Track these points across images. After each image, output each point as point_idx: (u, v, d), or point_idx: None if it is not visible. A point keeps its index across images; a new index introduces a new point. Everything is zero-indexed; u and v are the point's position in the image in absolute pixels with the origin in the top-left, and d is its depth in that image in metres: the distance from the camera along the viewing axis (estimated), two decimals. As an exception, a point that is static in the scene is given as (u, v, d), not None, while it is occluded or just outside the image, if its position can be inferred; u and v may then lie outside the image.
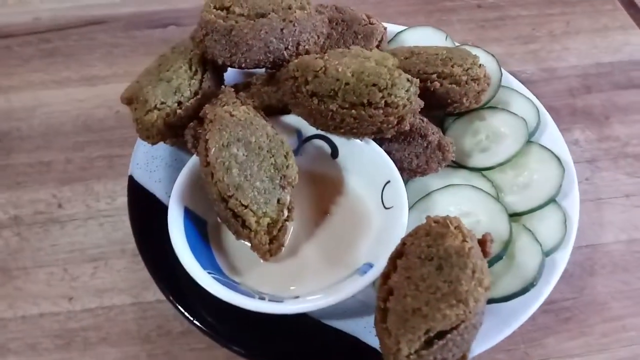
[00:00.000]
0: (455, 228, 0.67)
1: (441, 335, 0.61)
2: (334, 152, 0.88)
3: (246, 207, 0.74)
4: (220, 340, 0.73)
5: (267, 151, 0.78)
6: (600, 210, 0.93)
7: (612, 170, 0.98)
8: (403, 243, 0.70)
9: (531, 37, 1.21)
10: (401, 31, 1.07)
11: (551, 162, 0.86)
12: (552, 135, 0.92)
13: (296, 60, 0.84)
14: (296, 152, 0.89)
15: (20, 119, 1.07)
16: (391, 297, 0.65)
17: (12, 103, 1.10)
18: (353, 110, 0.79)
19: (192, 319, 0.74)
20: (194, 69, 0.86)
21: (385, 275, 0.68)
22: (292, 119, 0.88)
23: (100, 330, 0.81)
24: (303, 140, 0.89)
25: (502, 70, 0.99)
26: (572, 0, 1.28)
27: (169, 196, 0.85)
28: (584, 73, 1.13)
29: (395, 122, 0.80)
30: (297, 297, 0.74)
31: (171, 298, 0.76)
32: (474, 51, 1.00)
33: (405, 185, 0.87)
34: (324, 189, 0.87)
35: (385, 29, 1.02)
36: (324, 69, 0.80)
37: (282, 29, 0.84)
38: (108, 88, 1.13)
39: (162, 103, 0.82)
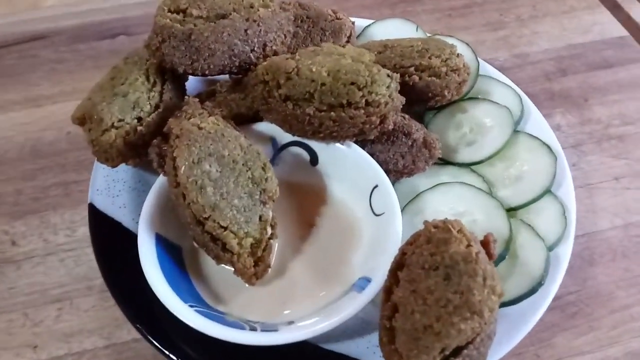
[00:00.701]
0: (458, 232, 0.62)
1: (456, 352, 0.56)
2: (314, 159, 0.82)
3: (225, 228, 0.67)
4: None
5: (243, 164, 0.71)
6: (592, 196, 0.90)
7: (598, 153, 0.95)
8: (403, 253, 0.64)
9: (500, 23, 1.18)
10: (369, 25, 1.02)
11: (541, 150, 0.82)
12: (536, 122, 0.88)
13: (265, 63, 0.77)
14: (272, 162, 0.82)
15: (-41, 149, 0.96)
16: (397, 315, 0.60)
17: (-51, 132, 0.99)
18: (332, 113, 0.73)
19: (175, 358, 0.66)
20: (152, 80, 0.79)
21: (388, 290, 0.62)
22: (265, 127, 0.81)
23: (71, 380, 0.72)
24: (279, 149, 0.82)
25: (478, 58, 0.95)
26: (536, -17, 1.26)
27: (137, 222, 0.77)
28: (557, 56, 1.11)
29: (378, 122, 0.74)
30: (291, 322, 0.67)
31: (149, 337, 0.68)
32: (447, 40, 0.96)
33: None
34: (306, 200, 0.81)
35: (353, 23, 0.96)
36: (296, 70, 0.74)
37: (246, 30, 0.77)
38: (55, 108, 1.03)
39: (120, 120, 0.74)
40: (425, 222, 0.65)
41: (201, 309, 0.65)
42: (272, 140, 0.82)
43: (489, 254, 0.64)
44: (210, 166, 0.69)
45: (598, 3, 1.22)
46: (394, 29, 1.00)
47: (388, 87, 0.74)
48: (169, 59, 0.76)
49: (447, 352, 0.55)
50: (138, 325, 0.69)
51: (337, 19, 0.95)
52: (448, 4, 1.22)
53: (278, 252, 0.75)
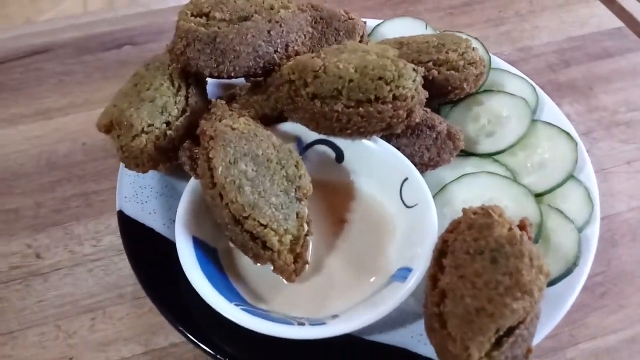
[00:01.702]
0: (499, 216, 0.63)
1: (509, 332, 0.57)
2: (339, 156, 0.83)
3: (266, 226, 0.67)
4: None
5: (277, 163, 0.72)
6: (607, 180, 0.92)
7: (608, 139, 0.98)
8: (444, 240, 0.65)
9: (500, 19, 1.21)
10: (379, 24, 1.04)
11: (560, 137, 0.84)
12: (551, 111, 0.90)
13: (290, 63, 0.78)
14: (298, 161, 0.83)
15: (-27, 165, 0.94)
16: (446, 300, 0.60)
17: (-41, 149, 0.97)
18: (360, 108, 0.74)
19: (218, 355, 0.66)
20: (176, 84, 0.79)
21: (433, 278, 0.63)
22: (289, 127, 0.81)
23: (112, 390, 0.71)
24: (304, 148, 0.83)
25: (489, 52, 0.97)
26: (531, -21, 1.29)
27: (168, 227, 0.78)
28: (559, 48, 1.14)
29: (405, 116, 0.75)
30: (335, 315, 0.68)
31: (192, 337, 0.67)
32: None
33: (417, 181, 0.84)
34: (335, 197, 0.82)
35: (364, 22, 0.98)
36: (323, 67, 0.74)
37: (269, 31, 0.78)
38: (67, 119, 1.02)
39: (150, 125, 0.74)
40: (464, 209, 0.66)
41: (247, 308, 0.65)
42: (297, 139, 0.82)
43: (527, 237, 0.66)
44: (246, 166, 0.69)
45: (592, -4, 1.26)
46: (404, 28, 1.02)
47: (414, 80, 0.75)
48: (194, 62, 0.77)
49: (501, 333, 0.56)
50: (180, 328, 0.68)
51: (350, 19, 0.96)
52: (449, 2, 1.24)
53: (313, 249, 0.75)
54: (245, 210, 0.67)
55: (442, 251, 0.64)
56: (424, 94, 0.77)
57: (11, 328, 0.76)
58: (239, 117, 0.75)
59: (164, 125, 0.75)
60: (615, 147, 0.97)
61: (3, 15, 1.33)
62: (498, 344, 0.57)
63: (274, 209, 0.68)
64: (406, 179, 0.77)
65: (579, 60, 1.11)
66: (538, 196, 0.80)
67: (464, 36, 0.97)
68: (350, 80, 0.73)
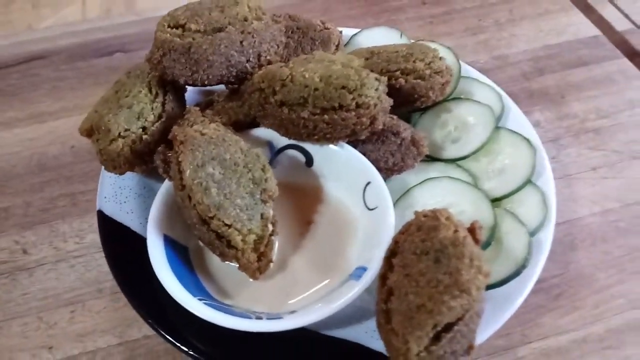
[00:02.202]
0: (445, 219, 0.67)
1: (448, 328, 0.60)
2: (309, 161, 0.87)
3: (230, 226, 0.71)
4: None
5: (244, 166, 0.76)
6: (571, 186, 0.95)
7: (576, 146, 1.01)
8: (395, 241, 0.69)
9: (479, 27, 1.24)
10: (355, 34, 1.08)
11: (521, 144, 0.88)
12: (516, 118, 0.94)
13: (260, 72, 0.82)
14: (269, 164, 0.87)
15: (-33, 166, 1.00)
16: (392, 297, 0.64)
17: (-43, 150, 1.03)
18: (325, 115, 0.78)
19: (186, 349, 0.70)
20: (154, 91, 0.83)
21: (383, 276, 0.67)
22: (262, 132, 0.86)
23: (87, 377, 0.76)
24: (276, 152, 0.87)
25: (460, 61, 1.01)
26: (512, -11, 1.33)
27: (144, 226, 0.82)
28: (535, 56, 1.17)
29: (368, 123, 0.79)
30: (293, 311, 0.72)
31: (162, 332, 0.72)
32: (430, 45, 1.02)
33: (384, 184, 0.88)
34: (304, 199, 0.86)
35: (340, 32, 1.02)
36: (290, 77, 0.79)
37: (241, 42, 0.82)
38: (59, 123, 1.08)
39: (126, 130, 0.79)
40: (416, 212, 0.70)
41: (209, 302, 0.70)
42: (269, 144, 0.87)
43: (475, 239, 0.69)
44: (213, 169, 0.74)
45: (571, 5, 1.29)
46: (379, 37, 1.06)
47: (376, 89, 0.79)
48: (170, 71, 0.81)
49: (439, 328, 0.60)
50: (150, 322, 0.73)
51: (326, 28, 1.00)
52: (429, 12, 1.28)
53: (279, 248, 0.80)
54: (210, 211, 0.71)
55: (393, 251, 0.68)
56: (387, 102, 0.81)
57: (-4, 319, 0.81)
58: (210, 123, 0.79)
59: (140, 130, 0.80)
60: (582, 153, 1.00)
61: (6, 21, 1.39)
62: (437, 339, 0.60)
63: (238, 210, 0.73)
64: (369, 182, 0.81)
65: (553, 69, 1.14)
66: (497, 200, 0.84)
67: (436, 46, 1.01)
68: (316, 89, 0.77)
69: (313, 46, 0.98)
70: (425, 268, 0.64)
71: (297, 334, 0.72)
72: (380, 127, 0.81)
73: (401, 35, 1.06)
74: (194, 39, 0.80)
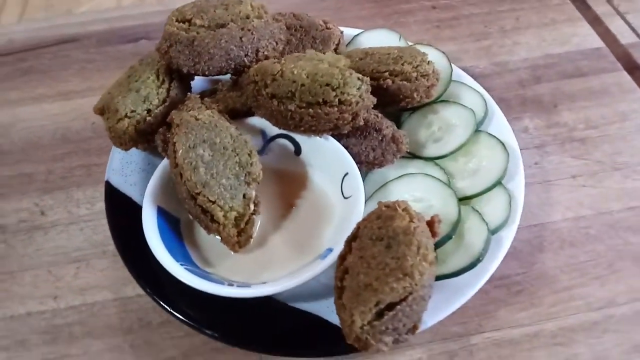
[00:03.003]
0: (402, 210, 0.74)
1: (391, 307, 0.67)
2: (297, 150, 0.94)
3: (214, 202, 0.80)
4: (196, 327, 0.78)
5: (232, 150, 0.85)
6: (549, 191, 0.99)
7: (559, 153, 1.05)
8: (357, 227, 0.76)
9: (484, 34, 1.28)
10: (358, 34, 1.14)
11: (497, 148, 0.93)
12: (499, 123, 0.99)
13: (255, 66, 0.90)
14: (262, 151, 0.96)
15: (0, 135, 1.12)
16: (346, 276, 0.72)
17: (-8, 120, 1.15)
18: (310, 109, 0.85)
19: (169, 309, 0.80)
20: (161, 78, 0.93)
21: (342, 257, 0.74)
22: (257, 121, 0.94)
23: (84, 325, 0.86)
24: (268, 140, 0.95)
25: (453, 66, 1.06)
26: (523, -4, 1.36)
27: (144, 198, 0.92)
28: (533, 65, 1.20)
29: (350, 119, 0.86)
30: (264, 282, 0.80)
31: (149, 292, 0.81)
32: (426, 49, 1.08)
33: (364, 177, 0.94)
34: (290, 185, 0.94)
35: (341, 32, 1.09)
36: (281, 72, 0.86)
37: (241, 37, 0.90)
38: (84, 102, 1.18)
39: (132, 111, 0.88)
40: (379, 202, 0.77)
41: (190, 268, 0.79)
42: (262, 132, 0.95)
43: (433, 232, 0.76)
44: (203, 151, 0.83)
45: (579, 16, 1.31)
46: (379, 38, 1.12)
47: (359, 88, 0.85)
48: (175, 61, 0.90)
49: (382, 306, 0.67)
50: (141, 282, 0.82)
51: (327, 28, 1.07)
52: (437, 16, 1.33)
53: (261, 226, 0.88)
54: (197, 188, 0.80)
55: (354, 235, 0.75)
56: (370, 100, 0.88)
57: (12, 269, 0.93)
58: (206, 110, 0.88)
59: (145, 112, 0.89)
60: (565, 161, 1.04)
61: (49, 4, 1.51)
62: (381, 316, 0.68)
63: (222, 189, 0.81)
64: (347, 173, 0.88)
65: (550, 78, 1.18)
66: (468, 198, 0.90)
67: (432, 50, 1.07)
68: (302, 85, 0.85)
69: (314, 44, 1.05)
70: (377, 252, 0.71)
71: (268, 303, 0.81)
72: (361, 123, 0.88)
73: (400, 38, 1.11)
74: (198, 33, 0.89)
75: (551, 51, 1.23)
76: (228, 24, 0.90)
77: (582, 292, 0.87)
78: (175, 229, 0.87)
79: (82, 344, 0.84)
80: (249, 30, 0.91)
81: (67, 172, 1.06)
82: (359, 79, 0.86)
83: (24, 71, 1.25)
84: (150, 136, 0.89)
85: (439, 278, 0.80)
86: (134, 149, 0.92)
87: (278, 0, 1.33)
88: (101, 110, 0.91)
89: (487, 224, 0.83)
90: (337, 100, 0.84)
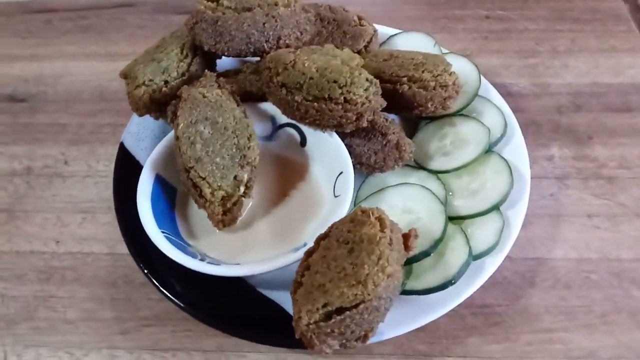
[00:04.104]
0: (375, 218, 0.73)
1: (340, 311, 0.67)
2: (303, 141, 0.95)
3: (204, 179, 0.83)
4: (164, 293, 0.82)
5: (232, 132, 0.87)
6: (558, 226, 0.94)
7: (580, 189, 0.99)
8: (330, 227, 0.76)
9: (532, 51, 1.22)
10: (394, 35, 1.12)
11: (504, 172, 0.89)
12: (516, 147, 0.94)
13: (272, 53, 0.91)
14: (270, 137, 0.98)
15: (48, 84, 1.21)
16: (307, 272, 0.72)
17: (44, 70, 1.24)
18: (315, 103, 0.85)
19: (145, 271, 0.84)
20: (184, 52, 0.96)
21: (309, 253, 0.75)
22: (269, 107, 0.95)
23: (76, 271, 0.93)
24: (277, 127, 0.97)
25: (483, 81, 1.02)
26: (584, 18, 1.27)
27: (150, 163, 0.96)
28: (577, 91, 1.13)
29: (354, 118, 0.86)
30: (237, 264, 0.82)
31: (131, 251, 0.86)
32: (458, 60, 1.05)
33: (365, 179, 0.94)
34: (289, 174, 0.95)
35: (375, 31, 1.07)
36: (293, 62, 0.87)
37: (264, 23, 0.92)
38: (125, 65, 1.25)
39: (150, 80, 0.92)
40: (358, 206, 0.77)
41: (169, 235, 0.82)
42: (273, 119, 0.96)
43: (406, 245, 0.75)
44: (204, 128, 0.85)
45: (643, 47, 1.21)
46: (414, 41, 1.09)
47: (366, 89, 0.85)
48: (198, 38, 0.93)
49: (330, 308, 0.67)
50: (127, 242, 0.87)
51: (360, 25, 1.06)
52: (489, 26, 1.28)
53: (250, 210, 0.90)
54: (190, 162, 0.83)
55: (325, 234, 0.76)
56: (378, 103, 0.87)
57: (27, 209, 1.01)
58: (217, 89, 0.90)
59: (163, 83, 0.93)
60: (584, 198, 0.98)
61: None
62: (329, 318, 0.68)
63: (214, 167, 0.84)
64: (341, 172, 0.88)
65: (591, 107, 1.10)
66: (462, 218, 0.87)
67: (464, 61, 1.04)
68: (311, 78, 0.85)
69: (344, 39, 1.05)
70: (340, 255, 0.71)
71: (239, 284, 0.84)
72: (365, 124, 0.87)
73: (435, 44, 1.08)
74: (224, 13, 0.92)
75: (601, 80, 1.15)
76: (254, 8, 0.92)
77: (564, 337, 0.83)
78: (170, 198, 0.91)
79: (70, 288, 0.91)
80: (273, 17, 0.92)
81: (96, 128, 1.13)
82: (367, 80, 0.85)
83: (83, 28, 1.34)
84: (164, 106, 0.93)
85: (408, 292, 0.79)
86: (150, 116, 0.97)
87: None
88: (125, 75, 0.96)
89: (469, 248, 0.80)
90: (342, 98, 0.84)
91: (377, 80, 0.87)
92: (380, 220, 0.73)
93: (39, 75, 1.23)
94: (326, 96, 0.85)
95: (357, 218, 0.74)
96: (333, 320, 0.67)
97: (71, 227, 0.98)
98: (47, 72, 1.24)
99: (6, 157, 1.09)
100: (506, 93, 1.13)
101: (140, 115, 0.94)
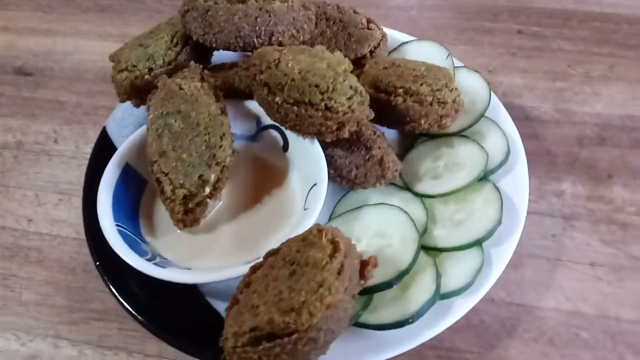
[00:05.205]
0: (328, 241, 0.66)
1: (271, 338, 0.61)
2: (286, 145, 0.90)
3: (166, 174, 0.78)
4: (110, 289, 0.78)
5: (204, 128, 0.82)
6: (554, 271, 0.84)
7: (588, 233, 0.88)
8: (285, 242, 0.70)
9: (563, 74, 1.10)
10: (406, 42, 1.04)
11: (494, 205, 0.80)
12: (516, 178, 0.85)
13: (260, 49, 0.86)
14: (254, 137, 0.92)
15: (56, 60, 1.21)
16: (245, 290, 0.67)
17: (56, 46, 1.24)
18: (295, 107, 0.79)
19: (97, 263, 0.80)
20: (175, 41, 0.92)
21: (254, 268, 0.69)
22: (254, 106, 0.90)
23: (40, 252, 0.91)
24: (261, 128, 0.92)
25: (495, 100, 0.93)
26: (629, 43, 1.14)
27: (129, 152, 0.93)
28: (605, 123, 1.01)
29: (335, 128, 0.79)
30: (188, 268, 0.78)
31: (89, 240, 0.83)
32: (469, 75, 0.97)
33: (346, 194, 0.87)
34: (267, 178, 0.89)
35: (383, 36, 1.00)
36: (277, 61, 0.81)
37: (256, 17, 0.86)
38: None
39: (134, 66, 0.89)
40: (315, 224, 0.70)
41: (124, 230, 0.78)
42: (257, 119, 0.91)
43: (362, 275, 0.68)
44: (175, 121, 0.81)
45: (693, 81, 1.07)
46: (426, 50, 1.01)
47: (349, 98, 0.78)
48: (188, 26, 0.89)
49: (258, 333, 0.61)
50: (86, 228, 0.84)
51: (368, 28, 0.99)
52: (519, 42, 1.17)
53: (217, 212, 0.85)
54: (154, 156, 0.79)
55: (276, 250, 0.70)
56: (364, 114, 0.80)
57: (9, 184, 1.00)
58: (198, 81, 0.86)
59: (147, 70, 0.89)
60: (591, 244, 0.87)
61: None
62: (258, 343, 0.62)
63: (179, 164, 0.79)
64: (315, 184, 0.81)
65: (617, 142, 0.98)
66: (440, 250, 0.78)
67: (475, 77, 0.95)
68: (292, 80, 0.79)
69: (348, 41, 0.98)
70: (281, 276, 0.65)
71: (189, 290, 0.79)
72: (347, 135, 0.80)
73: (447, 56, 0.99)
74: (216, 3, 0.87)
75: (635, 113, 1.03)
76: (249, 0, 0.87)
77: (538, 400, 0.73)
78: (139, 190, 0.87)
79: (30, 269, 0.89)
80: (267, 11, 0.87)
81: (91, 110, 1.11)
82: (352, 87, 0.78)
83: (102, 8, 1.33)
84: (145, 94, 0.90)
85: (361, 325, 0.72)
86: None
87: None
88: (112, 58, 0.93)
89: (437, 286, 0.72)
90: (323, 104, 0.78)
91: (364, 89, 0.80)
92: (334, 243, 0.66)
93: (50, 51, 1.23)
94: (306, 101, 0.79)
95: (309, 238, 0.67)
96: (262, 346, 0.61)
97: (46, 207, 0.97)
98: (59, 48, 1.24)
99: (1, 130, 1.09)
100: (524, 117, 1.03)
101: (122, 101, 0.91)
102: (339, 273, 0.63)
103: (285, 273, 0.64)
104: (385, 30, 1.03)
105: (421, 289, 0.72)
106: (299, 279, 0.63)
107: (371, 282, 0.69)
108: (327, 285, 0.62)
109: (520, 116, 1.02)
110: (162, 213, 0.85)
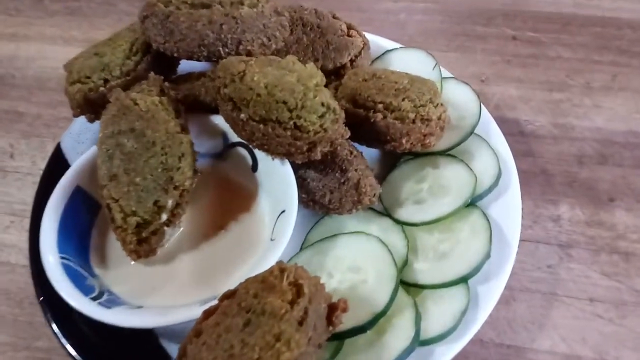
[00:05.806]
0: (289, 284, 0.58)
1: (220, 398, 0.53)
2: (254, 165, 0.82)
3: (116, 201, 0.70)
4: (51, 327, 0.70)
5: (161, 148, 0.73)
6: (550, 308, 0.76)
7: (587, 263, 0.79)
8: (244, 282, 0.62)
9: (561, 84, 1.02)
10: (391, 50, 0.96)
11: (482, 235, 0.71)
12: (508, 203, 0.77)
13: (225, 60, 0.78)
14: (220, 155, 0.85)
15: (18, 67, 1.13)
16: (195, 340, 0.58)
17: (20, 51, 1.16)
18: (261, 125, 0.71)
19: (40, 298, 0.73)
20: (134, 49, 0.84)
21: (208, 313, 0.61)
22: (220, 121, 0.82)
23: (-14, 282, 0.83)
24: (228, 145, 0.83)
25: (485, 116, 0.85)
26: (633, 50, 1.06)
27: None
28: (607, 139, 0.93)
29: (305, 149, 0.71)
30: (140, 306, 0.69)
31: (33, 270, 0.75)
32: (458, 88, 0.89)
33: (321, 219, 0.80)
34: (235, 201, 0.81)
35: (364, 44, 0.92)
36: (242, 74, 0.73)
37: (221, 24, 0.78)
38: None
39: (87, 77, 0.80)
40: (278, 262, 0.62)
41: (68, 262, 0.70)
42: (224, 135, 0.83)
43: (330, 320, 0.60)
44: (127, 140, 0.73)
45: (703, 93, 0.99)
46: (412, 59, 0.93)
47: (320, 116, 0.70)
48: (148, 33, 0.81)
49: (206, 394, 0.53)
50: (30, 256, 0.76)
51: (348, 35, 0.91)
52: (514, 49, 1.09)
53: (177, 240, 0.77)
54: (104, 180, 0.71)
55: (233, 292, 0.62)
56: (338, 134, 0.72)
57: (-44, 202, 0.92)
58: (156, 95, 0.77)
59: (101, 81, 0.81)
60: (590, 276, 0.78)
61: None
62: (208, 402, 0.54)
63: (131, 189, 0.71)
64: (283, 211, 0.73)
65: (620, 161, 0.90)
66: (420, 287, 0.70)
67: (465, 89, 0.87)
68: (258, 95, 0.71)
69: (326, 50, 0.90)
70: (234, 326, 0.57)
71: (142, 331, 0.71)
72: (318, 157, 0.72)
73: (434, 66, 0.91)
74: (179, 9, 0.79)
75: (640, 128, 0.95)
76: (214, 5, 0.78)
77: None
78: (91, 216, 0.79)
79: (-27, 299, 0.81)
80: (233, 17, 0.78)
81: (52, 121, 1.03)
82: (324, 104, 0.70)
83: (71, 11, 1.25)
84: (100, 108, 0.81)
85: (329, 375, 0.63)
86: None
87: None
88: (66, 68, 0.85)
89: (416, 331, 0.64)
90: (292, 123, 0.70)
91: (337, 106, 0.72)
92: (297, 286, 0.58)
93: (12, 57, 1.15)
94: (273, 118, 0.70)
95: (269, 279, 0.59)
96: (210, 409, 0.53)
97: (-5, 231, 0.89)
98: (22, 53, 1.16)
99: (-45, 144, 1.01)
100: (518, 132, 0.95)
101: (75, 115, 0.83)
102: (300, 323, 0.55)
103: (239, 323, 0.56)
104: (369, 36, 0.95)
105: (398, 334, 0.64)
106: (254, 332, 0.55)
107: (342, 326, 0.62)
108: (286, 338, 0.54)
109: (514, 131, 0.94)
110: (115, 242, 0.77)
